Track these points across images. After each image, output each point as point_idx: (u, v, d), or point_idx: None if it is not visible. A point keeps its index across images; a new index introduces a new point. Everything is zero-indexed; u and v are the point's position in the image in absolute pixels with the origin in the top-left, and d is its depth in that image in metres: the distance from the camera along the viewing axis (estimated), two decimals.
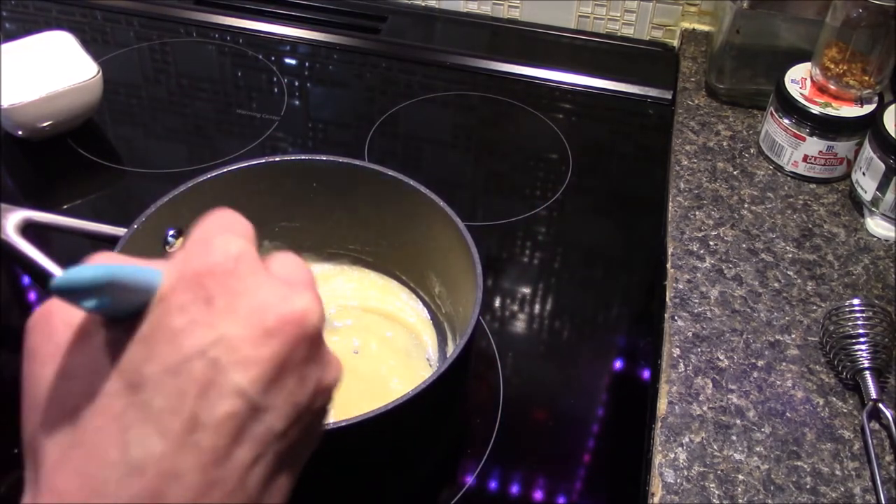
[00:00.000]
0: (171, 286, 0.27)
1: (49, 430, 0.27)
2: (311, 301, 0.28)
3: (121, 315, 0.27)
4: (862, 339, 0.58)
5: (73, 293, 0.26)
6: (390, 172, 0.61)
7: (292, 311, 0.28)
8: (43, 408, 0.28)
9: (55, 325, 0.28)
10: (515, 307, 0.70)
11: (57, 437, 0.27)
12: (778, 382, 0.60)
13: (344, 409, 0.58)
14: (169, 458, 0.26)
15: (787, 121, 0.76)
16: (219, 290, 0.27)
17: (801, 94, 0.76)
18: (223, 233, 0.29)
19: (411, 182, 0.60)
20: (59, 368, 0.27)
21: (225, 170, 0.60)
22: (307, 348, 0.28)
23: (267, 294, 0.28)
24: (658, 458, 0.55)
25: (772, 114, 0.78)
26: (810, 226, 0.73)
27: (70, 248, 0.71)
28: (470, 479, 0.58)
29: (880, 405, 0.57)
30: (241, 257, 0.28)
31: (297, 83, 0.94)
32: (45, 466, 0.27)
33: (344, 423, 0.47)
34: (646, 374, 0.65)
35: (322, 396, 0.29)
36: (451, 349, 0.61)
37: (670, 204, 0.75)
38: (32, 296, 0.70)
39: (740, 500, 0.53)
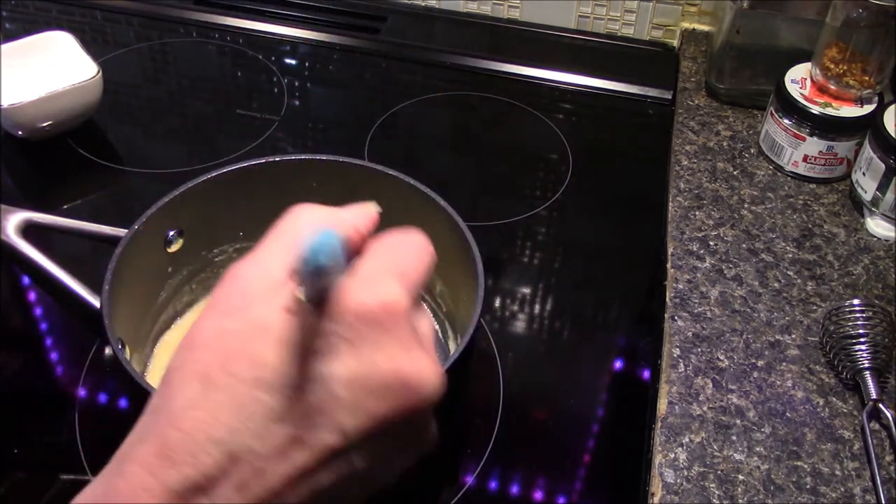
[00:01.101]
0: (336, 311, 0.29)
1: (186, 378, 0.30)
2: (434, 372, 0.30)
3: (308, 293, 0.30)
4: (862, 340, 0.58)
5: (317, 270, 0.28)
6: (391, 171, 0.61)
7: (418, 380, 0.30)
8: (198, 349, 0.30)
9: (248, 286, 0.31)
10: (515, 307, 0.70)
11: (190, 388, 0.29)
12: (778, 382, 0.60)
13: None
14: (263, 459, 0.28)
15: (787, 121, 0.76)
16: (365, 333, 0.29)
17: (801, 94, 0.76)
18: (393, 274, 0.31)
19: (412, 181, 0.60)
20: (229, 330, 0.30)
21: (225, 169, 0.60)
22: (412, 414, 0.30)
23: (401, 355, 0.30)
24: (658, 458, 0.55)
25: (772, 114, 0.78)
26: (810, 226, 0.73)
27: (70, 248, 0.71)
28: (470, 479, 0.58)
29: (880, 405, 0.57)
30: (395, 310, 0.30)
31: (297, 83, 0.94)
32: (173, 402, 0.29)
33: None
34: (646, 374, 0.65)
35: (409, 457, 0.32)
36: (452, 348, 0.61)
37: (670, 204, 0.75)
38: (32, 296, 0.70)
39: (740, 501, 0.53)
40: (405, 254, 0.33)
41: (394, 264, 0.32)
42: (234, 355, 0.29)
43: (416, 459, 0.32)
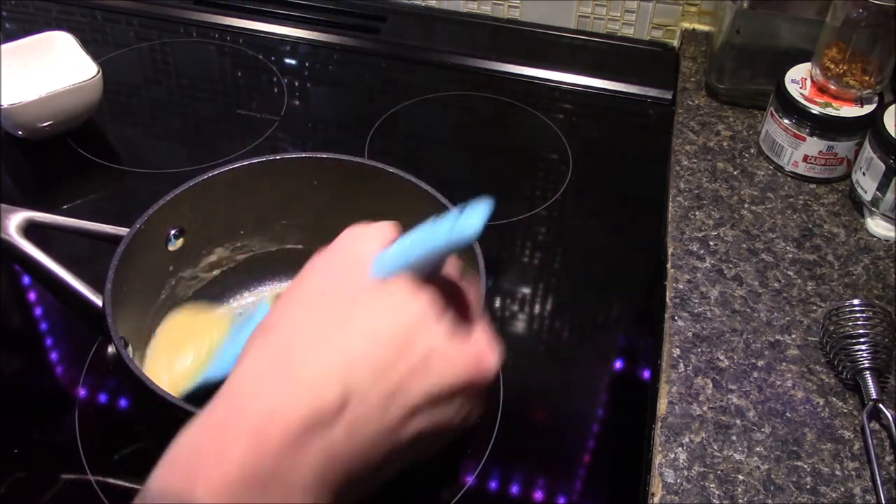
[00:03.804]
0: (432, 295, 0.38)
1: (288, 318, 0.38)
2: (497, 362, 0.39)
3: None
4: (862, 340, 0.58)
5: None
6: (391, 169, 0.61)
7: (487, 368, 0.38)
8: (297, 297, 0.38)
9: (360, 251, 0.40)
10: (515, 307, 0.70)
11: (274, 337, 0.37)
12: (778, 382, 0.60)
13: None
14: (364, 406, 0.34)
15: (787, 121, 0.76)
16: (455, 319, 0.38)
17: (801, 94, 0.76)
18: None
19: (413, 178, 0.60)
20: (335, 277, 0.39)
21: (226, 168, 0.60)
22: (478, 390, 0.39)
23: (482, 342, 0.39)
24: (658, 458, 0.55)
25: (772, 114, 0.78)
26: (810, 226, 0.73)
27: (70, 248, 0.71)
28: (470, 479, 0.58)
29: (880, 405, 0.57)
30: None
31: (297, 83, 0.94)
32: (272, 334, 0.37)
33: None
34: (646, 374, 0.65)
35: (465, 422, 0.39)
36: None
37: (670, 204, 0.75)
38: (32, 296, 0.70)
39: (740, 501, 0.53)
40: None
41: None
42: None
43: (471, 421, 0.39)
